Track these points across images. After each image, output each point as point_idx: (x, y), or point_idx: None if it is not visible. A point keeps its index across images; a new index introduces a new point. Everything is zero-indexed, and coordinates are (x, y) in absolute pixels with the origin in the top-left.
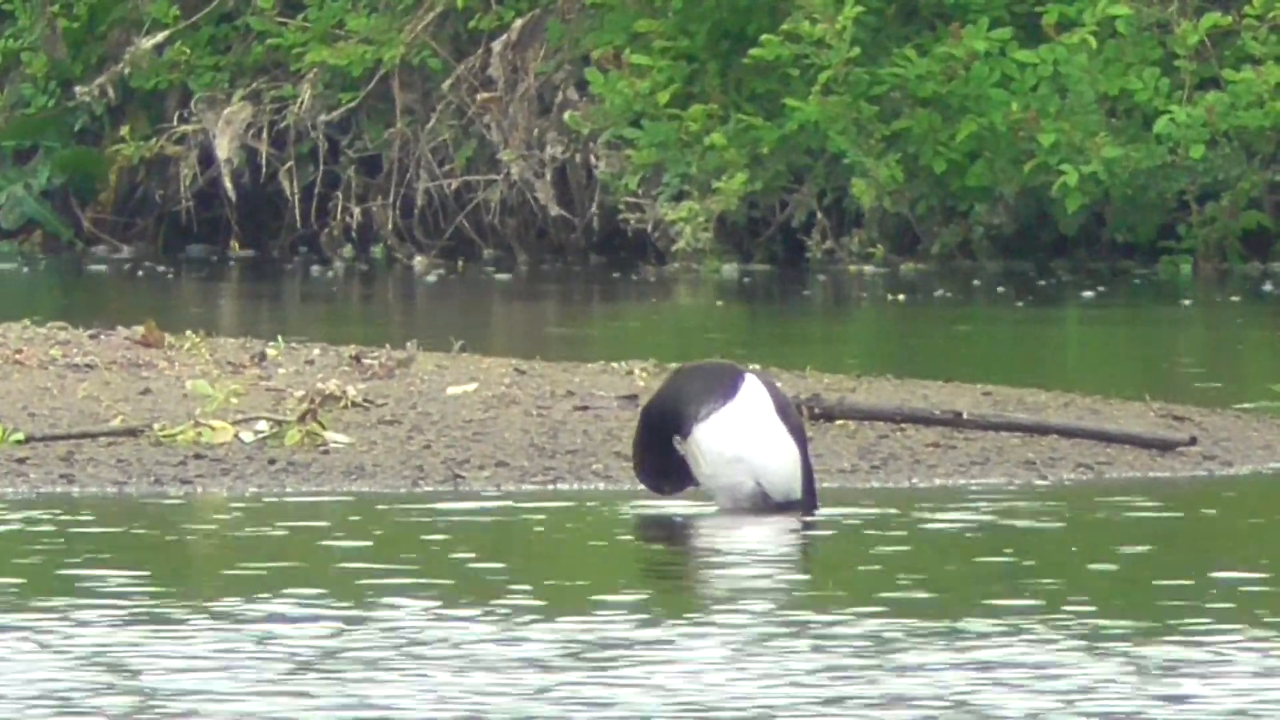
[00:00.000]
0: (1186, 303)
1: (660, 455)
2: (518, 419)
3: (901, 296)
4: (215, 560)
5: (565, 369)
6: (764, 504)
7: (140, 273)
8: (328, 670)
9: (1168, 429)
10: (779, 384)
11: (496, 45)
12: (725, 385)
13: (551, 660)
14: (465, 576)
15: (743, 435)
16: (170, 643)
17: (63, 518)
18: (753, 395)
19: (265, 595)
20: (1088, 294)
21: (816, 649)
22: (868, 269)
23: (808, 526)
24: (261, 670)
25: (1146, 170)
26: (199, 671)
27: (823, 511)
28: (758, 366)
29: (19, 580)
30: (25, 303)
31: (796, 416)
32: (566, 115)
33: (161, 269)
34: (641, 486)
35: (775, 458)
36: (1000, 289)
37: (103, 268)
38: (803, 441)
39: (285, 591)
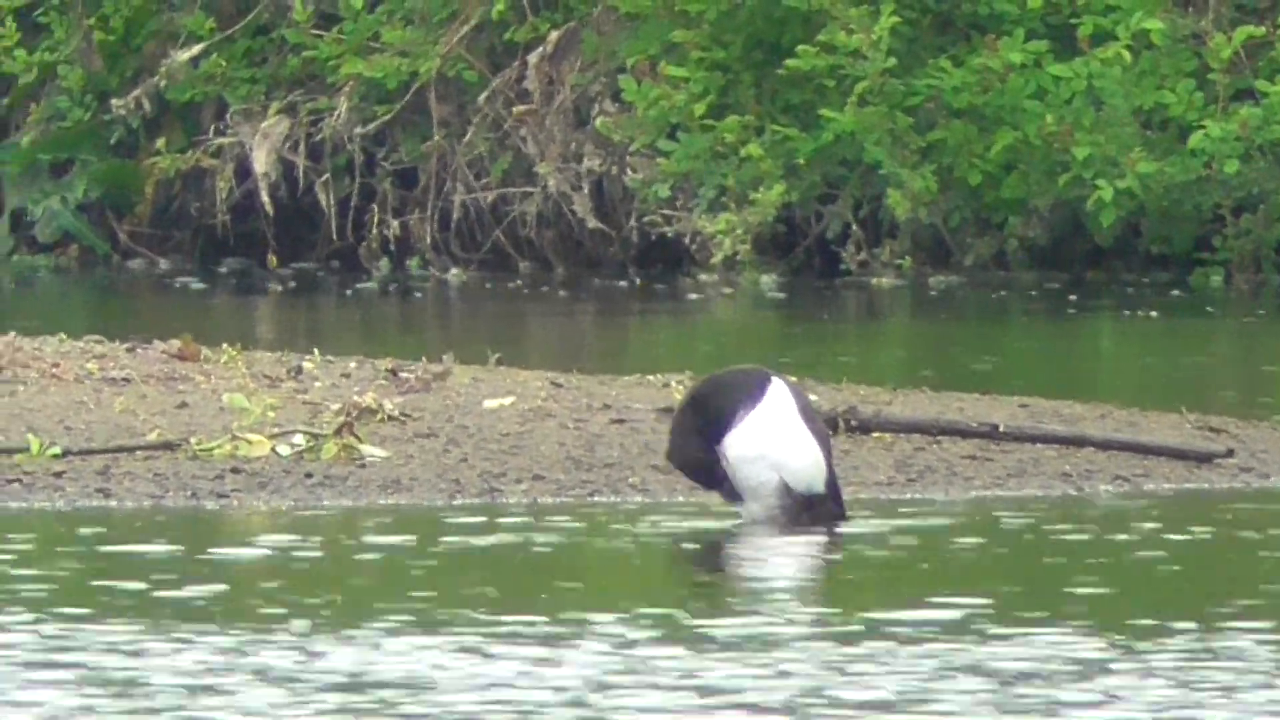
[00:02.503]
0: (1211, 309)
1: (697, 446)
2: (554, 432)
3: (930, 317)
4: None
5: (602, 382)
6: (787, 498)
7: (176, 286)
8: None
9: (1204, 441)
10: (806, 392)
11: (532, 58)
12: (753, 390)
13: None
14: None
15: (768, 434)
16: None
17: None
18: (779, 397)
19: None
20: (1126, 307)
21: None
22: (885, 281)
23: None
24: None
25: (1181, 184)
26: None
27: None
28: (793, 379)
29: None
30: (61, 316)
31: (820, 421)
32: (598, 122)
33: (197, 282)
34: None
35: (797, 453)
36: (1035, 300)
37: (140, 281)
38: (826, 444)
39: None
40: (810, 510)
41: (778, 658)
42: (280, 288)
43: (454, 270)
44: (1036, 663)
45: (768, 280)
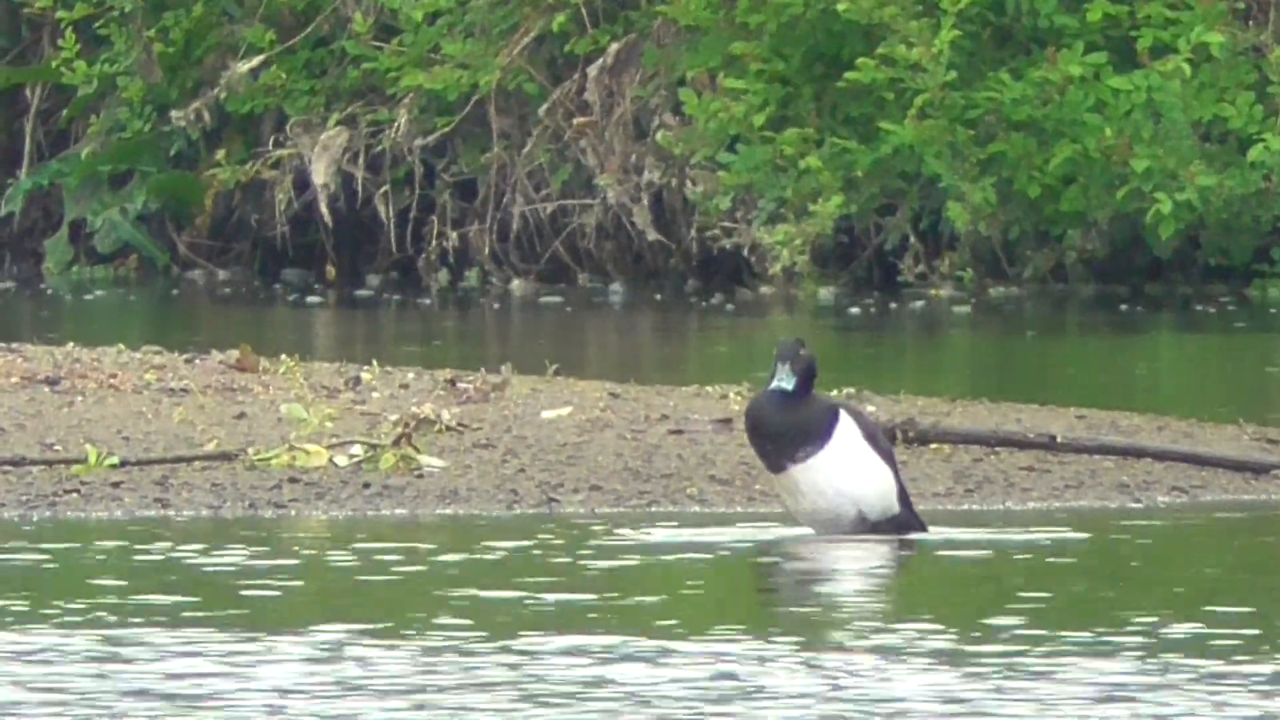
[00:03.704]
0: (1269, 321)
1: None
2: (612, 443)
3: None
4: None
5: (659, 392)
6: (863, 526)
7: (235, 297)
8: None
9: (1261, 452)
10: (867, 409)
11: (592, 70)
12: (821, 426)
13: None
14: None
15: (839, 472)
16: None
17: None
18: (845, 433)
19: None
20: (1181, 317)
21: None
22: (944, 293)
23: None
24: None
25: (1240, 196)
26: None
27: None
28: (852, 390)
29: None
30: (120, 327)
31: (885, 441)
32: (659, 135)
33: (315, 296)
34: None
35: (871, 484)
36: (1093, 312)
37: (198, 292)
38: (893, 462)
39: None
40: (883, 529)
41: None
42: (339, 298)
43: (517, 281)
44: None
45: (825, 292)
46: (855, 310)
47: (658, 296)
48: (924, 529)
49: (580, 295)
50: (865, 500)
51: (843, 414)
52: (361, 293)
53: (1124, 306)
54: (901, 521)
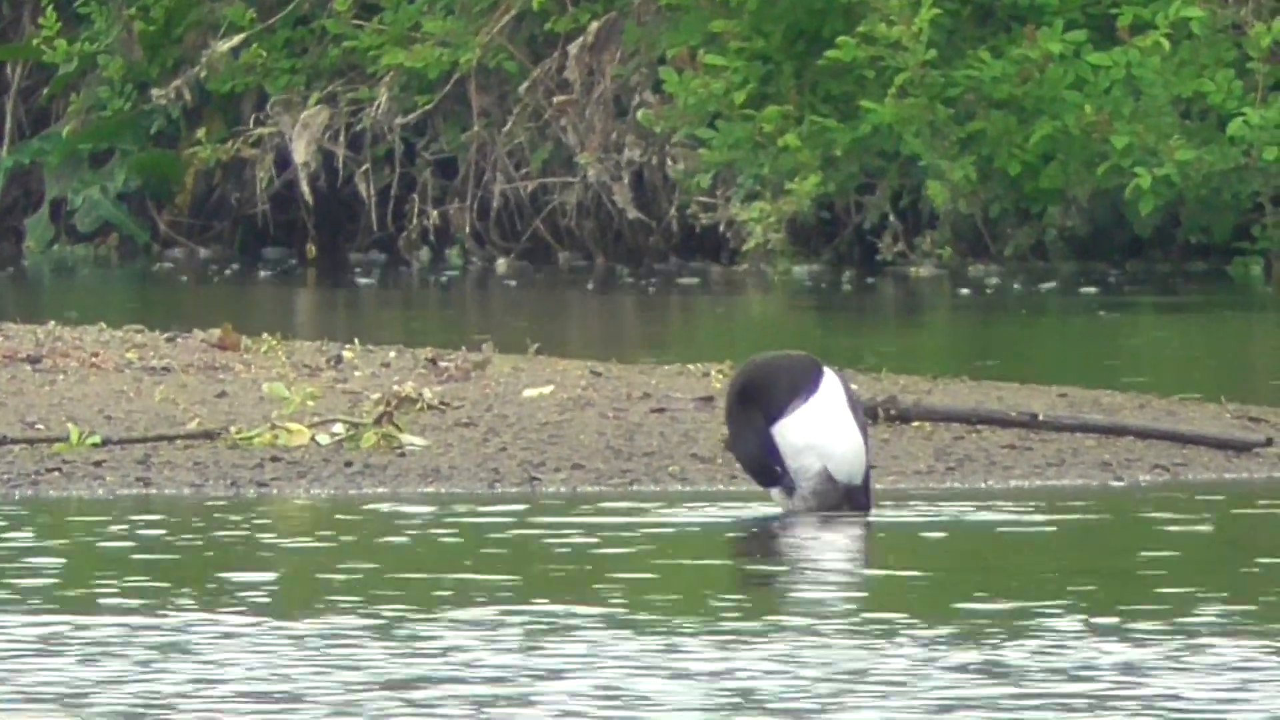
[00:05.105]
0: (1250, 299)
1: (757, 444)
2: (594, 421)
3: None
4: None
5: (641, 371)
6: (827, 485)
7: (216, 276)
8: None
9: (1244, 430)
10: (851, 388)
11: (573, 48)
12: (806, 379)
13: None
14: None
15: (819, 423)
16: None
17: None
18: (831, 387)
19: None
20: (1162, 295)
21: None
22: (924, 271)
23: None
24: None
25: (1220, 172)
26: None
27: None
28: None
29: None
30: (101, 305)
31: (862, 413)
32: (640, 114)
33: (366, 278)
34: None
35: (843, 443)
36: (1074, 290)
37: (179, 270)
38: (866, 437)
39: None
40: (847, 500)
41: None
42: (319, 277)
43: (502, 260)
44: None
45: (800, 270)
46: (835, 287)
47: (629, 279)
48: (867, 510)
49: (560, 273)
50: (834, 456)
51: (828, 371)
52: (346, 264)
53: (1108, 280)
54: (856, 502)
